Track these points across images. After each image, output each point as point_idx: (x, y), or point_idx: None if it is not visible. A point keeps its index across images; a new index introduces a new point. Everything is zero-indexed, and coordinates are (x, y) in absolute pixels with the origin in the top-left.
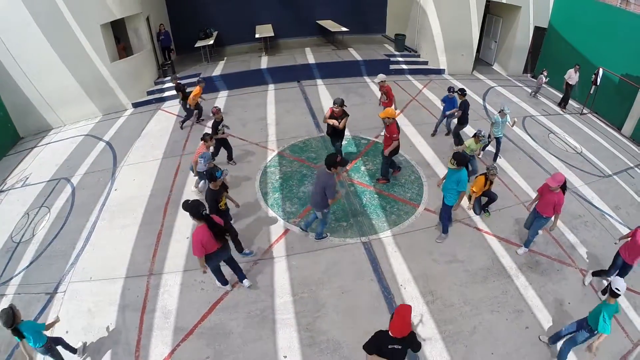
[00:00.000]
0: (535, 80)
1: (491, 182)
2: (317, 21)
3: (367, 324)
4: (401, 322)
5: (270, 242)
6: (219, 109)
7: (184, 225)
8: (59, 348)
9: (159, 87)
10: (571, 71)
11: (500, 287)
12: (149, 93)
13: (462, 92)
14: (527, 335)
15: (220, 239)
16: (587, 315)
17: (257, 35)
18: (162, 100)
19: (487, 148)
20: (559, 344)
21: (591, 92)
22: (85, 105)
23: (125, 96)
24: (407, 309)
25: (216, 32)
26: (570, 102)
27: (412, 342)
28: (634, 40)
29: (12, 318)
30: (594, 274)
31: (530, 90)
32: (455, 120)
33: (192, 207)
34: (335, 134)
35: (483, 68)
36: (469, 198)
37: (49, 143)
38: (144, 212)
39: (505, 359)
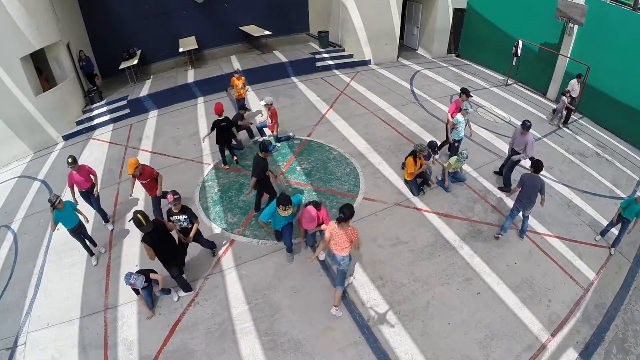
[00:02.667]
0: (555, 105)
1: (421, 163)
2: (240, 28)
3: (323, 318)
4: (217, 108)
5: (218, 256)
6: (176, 198)
7: (132, 253)
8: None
9: (87, 115)
10: (573, 82)
11: (446, 260)
12: (79, 123)
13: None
14: (480, 300)
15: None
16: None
17: (181, 49)
18: (93, 128)
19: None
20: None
21: (513, 63)
22: (14, 145)
23: (54, 130)
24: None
25: (139, 51)
26: (495, 75)
27: (229, 121)
28: (548, 11)
29: (53, 202)
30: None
31: (549, 118)
32: None
33: (68, 159)
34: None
35: (408, 54)
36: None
37: None
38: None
39: (462, 325)
